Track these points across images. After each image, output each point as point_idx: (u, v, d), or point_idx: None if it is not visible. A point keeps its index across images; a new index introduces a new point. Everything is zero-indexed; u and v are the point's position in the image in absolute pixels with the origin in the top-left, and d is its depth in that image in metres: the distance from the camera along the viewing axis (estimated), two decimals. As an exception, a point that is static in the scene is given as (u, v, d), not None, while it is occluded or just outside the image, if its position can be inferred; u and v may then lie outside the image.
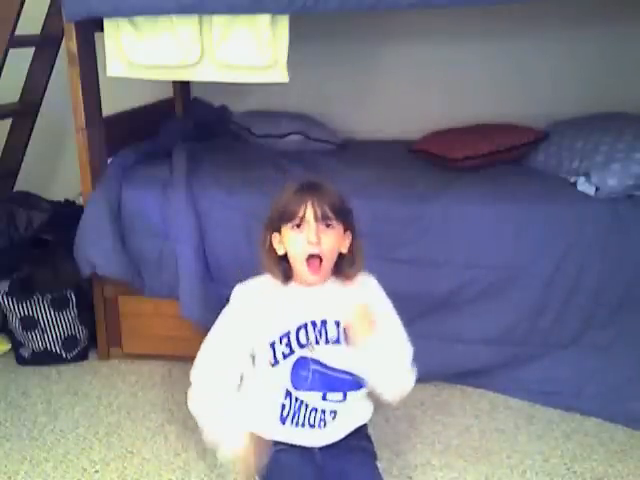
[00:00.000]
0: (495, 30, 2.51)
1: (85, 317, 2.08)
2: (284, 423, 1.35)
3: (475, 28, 2.50)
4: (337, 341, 1.34)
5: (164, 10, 1.72)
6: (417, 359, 1.84)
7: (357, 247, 1.39)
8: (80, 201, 2.09)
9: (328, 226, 1.32)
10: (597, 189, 1.79)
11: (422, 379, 1.87)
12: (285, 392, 1.34)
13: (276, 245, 1.36)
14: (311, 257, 1.31)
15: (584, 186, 1.83)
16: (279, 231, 1.35)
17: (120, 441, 1.67)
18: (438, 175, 2.05)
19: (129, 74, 1.87)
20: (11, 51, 2.20)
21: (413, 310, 1.84)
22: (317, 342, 1.34)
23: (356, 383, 1.37)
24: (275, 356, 1.34)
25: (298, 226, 1.31)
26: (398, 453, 1.61)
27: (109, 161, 2.03)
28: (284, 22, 1.72)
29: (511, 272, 1.79)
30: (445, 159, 2.12)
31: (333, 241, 1.32)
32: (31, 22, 2.32)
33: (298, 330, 1.34)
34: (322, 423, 1.34)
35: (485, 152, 2.10)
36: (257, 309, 1.37)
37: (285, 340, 1.34)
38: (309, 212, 1.30)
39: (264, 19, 1.70)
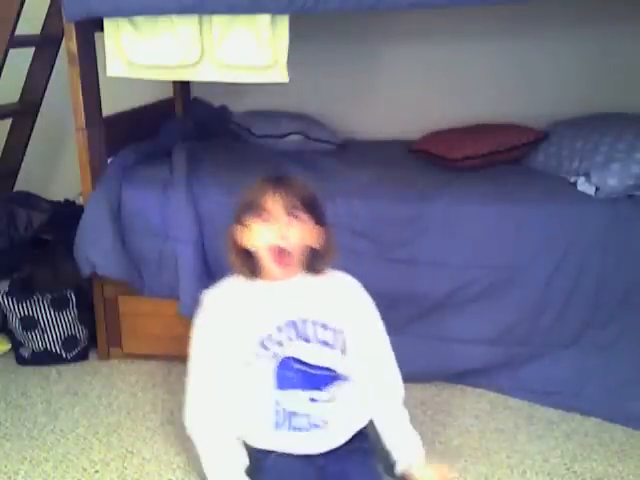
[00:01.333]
0: (495, 30, 2.51)
1: (85, 317, 2.08)
2: (278, 428, 1.32)
3: (475, 28, 2.50)
4: (313, 340, 1.32)
5: (164, 10, 1.72)
6: (417, 359, 1.86)
7: (329, 242, 1.36)
8: (80, 201, 2.09)
9: (297, 219, 1.30)
10: (597, 189, 1.79)
11: (422, 379, 1.90)
12: (270, 393, 1.31)
13: (242, 239, 1.33)
14: (278, 250, 1.29)
15: (584, 186, 1.83)
16: (246, 225, 1.32)
17: (120, 441, 1.67)
18: (438, 175, 2.05)
19: (129, 74, 1.87)
20: (11, 51, 2.20)
21: (413, 310, 1.84)
22: (294, 340, 1.31)
23: (339, 377, 1.35)
24: (254, 358, 1.31)
25: (265, 219, 1.29)
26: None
27: (109, 161, 2.03)
28: (284, 22, 1.72)
29: (511, 272, 1.79)
30: (445, 159, 2.12)
31: (301, 234, 1.30)
32: (31, 22, 2.32)
33: (276, 330, 1.31)
34: (315, 426, 1.31)
35: (485, 152, 2.10)
36: (230, 313, 1.35)
37: (264, 341, 1.31)
38: (276, 204, 1.28)
39: (264, 19, 1.70)
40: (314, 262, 1.36)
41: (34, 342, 2.04)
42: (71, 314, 2.06)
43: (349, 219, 1.83)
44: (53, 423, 1.75)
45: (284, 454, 1.32)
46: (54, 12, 2.29)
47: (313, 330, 1.33)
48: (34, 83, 2.50)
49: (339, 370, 1.36)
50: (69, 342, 2.06)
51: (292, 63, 1.76)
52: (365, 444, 1.38)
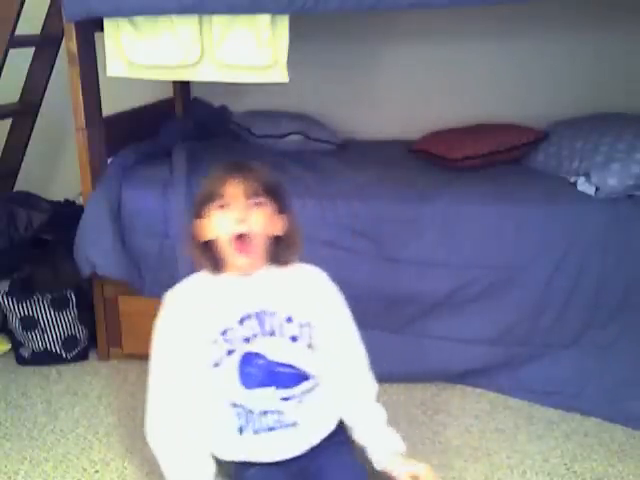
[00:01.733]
0: (495, 30, 2.51)
1: (85, 317, 2.08)
2: (242, 432, 1.26)
3: (475, 28, 2.50)
4: (278, 334, 1.28)
5: (164, 10, 1.72)
6: (417, 359, 1.86)
7: (294, 230, 1.32)
8: (80, 201, 2.09)
9: (257, 204, 1.25)
10: (597, 189, 1.79)
11: (422, 379, 1.90)
12: (236, 393, 1.26)
13: (202, 232, 1.28)
14: (239, 236, 1.24)
15: (584, 186, 1.83)
16: (205, 216, 1.28)
17: (120, 441, 1.67)
18: (438, 175, 2.05)
19: (129, 74, 1.87)
20: (11, 51, 2.20)
21: (413, 310, 1.84)
22: (259, 335, 1.27)
23: (306, 376, 1.31)
24: (217, 355, 1.26)
25: (224, 205, 1.25)
26: (398, 453, 1.61)
27: (109, 161, 2.03)
28: (284, 22, 1.72)
29: (511, 272, 1.79)
30: (445, 159, 2.12)
31: (263, 220, 1.25)
32: (31, 22, 2.32)
33: (238, 323, 1.26)
34: (284, 426, 1.26)
35: (485, 152, 2.10)
36: (192, 310, 1.30)
37: (227, 336, 1.26)
38: (235, 189, 1.24)
39: (264, 19, 1.70)
40: (279, 253, 1.31)
41: (34, 342, 2.04)
42: (71, 314, 2.06)
43: (349, 219, 1.83)
44: (53, 423, 1.75)
45: (257, 464, 1.26)
46: (54, 12, 2.29)
47: (277, 323, 1.28)
48: (34, 83, 2.50)
49: (305, 368, 1.31)
50: (69, 342, 2.06)
51: (292, 63, 1.76)
52: (342, 437, 1.33)
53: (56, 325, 2.04)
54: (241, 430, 1.27)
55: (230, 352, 1.26)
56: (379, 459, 1.33)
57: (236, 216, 1.24)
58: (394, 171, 2.08)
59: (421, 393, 1.86)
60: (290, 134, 2.45)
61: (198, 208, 1.29)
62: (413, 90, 2.64)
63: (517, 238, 1.78)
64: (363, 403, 1.38)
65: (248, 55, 1.76)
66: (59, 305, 2.03)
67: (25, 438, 1.69)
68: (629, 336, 1.77)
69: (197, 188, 1.91)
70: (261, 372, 1.27)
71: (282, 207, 1.31)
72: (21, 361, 2.07)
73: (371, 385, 1.40)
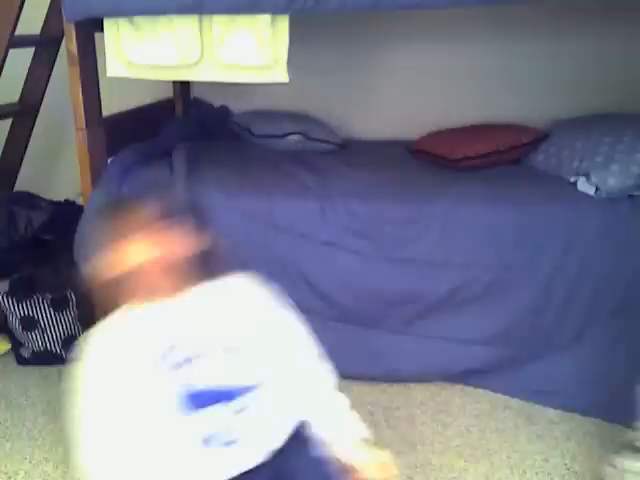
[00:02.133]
0: (495, 31, 2.51)
1: (85, 317, 2.08)
2: (204, 450, 1.20)
3: (475, 29, 2.50)
4: (215, 351, 1.24)
5: (164, 10, 1.72)
6: (417, 359, 1.86)
7: (214, 245, 1.27)
8: (80, 201, 2.09)
9: (170, 225, 1.22)
10: (597, 189, 1.79)
11: (422, 379, 1.90)
12: (187, 418, 1.20)
13: (116, 264, 1.21)
14: (152, 263, 1.20)
15: (584, 186, 1.83)
16: (118, 247, 1.21)
17: (120, 441, 1.67)
18: (438, 175, 2.05)
19: (129, 74, 1.87)
20: (11, 51, 2.20)
21: (413, 310, 1.84)
22: (194, 356, 1.22)
23: (249, 387, 1.26)
24: (159, 384, 1.21)
25: (135, 233, 1.20)
26: (398, 453, 1.60)
27: (109, 161, 2.03)
28: (284, 22, 1.72)
29: (511, 272, 1.79)
30: (445, 159, 2.12)
31: (179, 240, 1.22)
32: (31, 22, 2.32)
33: (172, 349, 1.22)
34: (234, 442, 1.20)
35: (485, 152, 2.10)
36: (122, 348, 1.24)
37: (164, 364, 1.21)
38: (146, 214, 1.21)
39: (264, 19, 1.70)
40: (203, 270, 1.26)
41: (34, 342, 2.04)
42: (71, 314, 2.06)
43: (349, 219, 1.83)
44: (53, 423, 1.75)
45: None
46: (54, 12, 2.29)
47: (212, 341, 1.25)
48: (34, 83, 2.50)
49: (249, 379, 1.26)
50: (69, 342, 2.06)
51: (292, 63, 1.76)
52: (307, 433, 1.28)
53: (56, 325, 2.04)
54: (205, 445, 1.20)
55: (171, 379, 1.22)
56: (341, 447, 1.28)
57: (150, 241, 1.20)
58: (394, 171, 2.08)
59: (421, 393, 1.86)
60: (290, 134, 2.45)
61: (108, 240, 1.22)
62: (413, 90, 2.63)
63: (517, 238, 1.78)
64: (320, 395, 1.34)
65: (248, 55, 1.76)
66: (59, 305, 2.03)
67: (25, 438, 1.69)
68: (629, 336, 1.77)
69: (197, 188, 1.92)
70: (205, 393, 1.22)
71: (198, 224, 1.28)
72: (21, 361, 2.07)
73: (327, 375, 1.34)
